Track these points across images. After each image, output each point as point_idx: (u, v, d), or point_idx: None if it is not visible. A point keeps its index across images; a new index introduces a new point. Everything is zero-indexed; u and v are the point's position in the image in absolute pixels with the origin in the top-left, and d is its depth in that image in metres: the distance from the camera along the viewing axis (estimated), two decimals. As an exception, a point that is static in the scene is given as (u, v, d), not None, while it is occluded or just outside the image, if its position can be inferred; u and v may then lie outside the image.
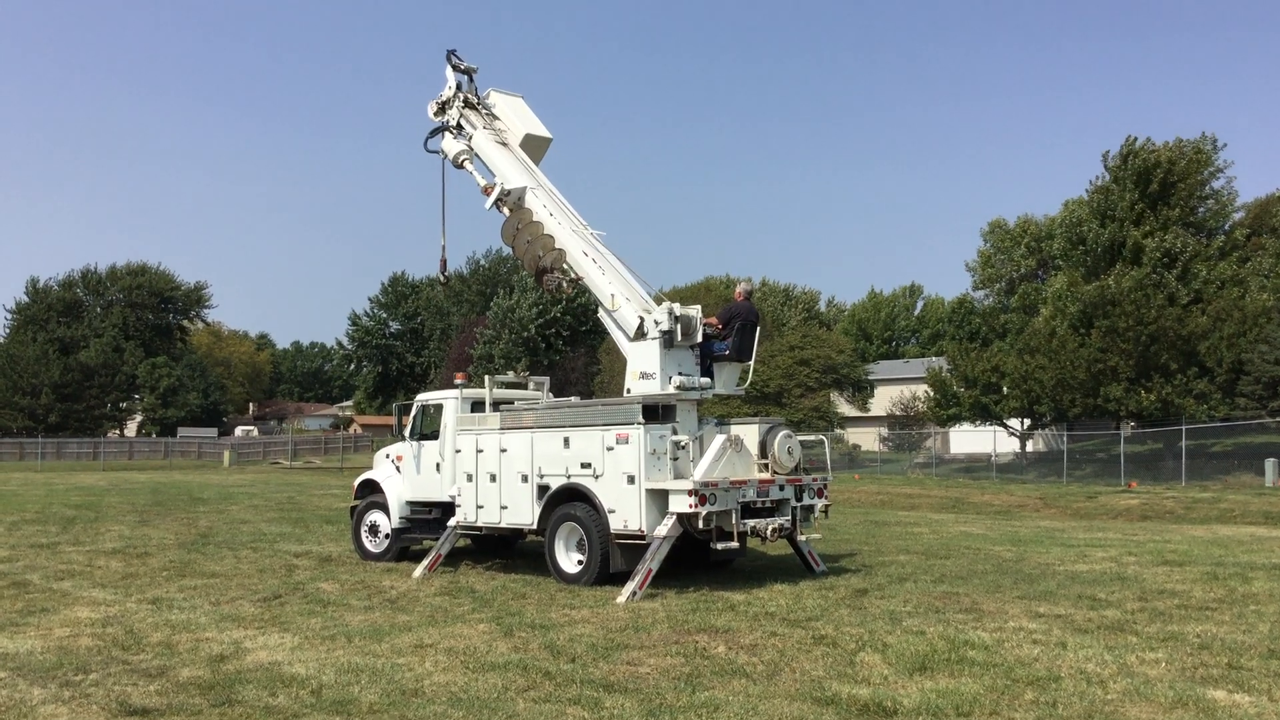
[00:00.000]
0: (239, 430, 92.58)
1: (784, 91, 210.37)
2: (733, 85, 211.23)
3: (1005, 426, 46.64)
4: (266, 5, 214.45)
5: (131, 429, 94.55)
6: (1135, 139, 46.54)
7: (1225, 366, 37.21)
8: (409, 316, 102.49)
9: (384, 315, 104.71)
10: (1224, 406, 37.53)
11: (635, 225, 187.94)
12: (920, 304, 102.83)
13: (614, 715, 7.39)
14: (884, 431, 58.92)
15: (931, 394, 48.00)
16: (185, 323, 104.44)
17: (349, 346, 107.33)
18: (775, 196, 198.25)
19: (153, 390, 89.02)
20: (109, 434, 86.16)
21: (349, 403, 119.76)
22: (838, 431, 55.50)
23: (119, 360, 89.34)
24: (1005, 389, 43.51)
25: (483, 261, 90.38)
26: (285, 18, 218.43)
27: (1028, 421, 46.71)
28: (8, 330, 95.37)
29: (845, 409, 63.88)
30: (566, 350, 67.53)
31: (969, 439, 51.33)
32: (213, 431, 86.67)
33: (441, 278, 17.77)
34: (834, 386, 56.50)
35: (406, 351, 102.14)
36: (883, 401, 65.27)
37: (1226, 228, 47.65)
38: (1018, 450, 49.49)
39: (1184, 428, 36.04)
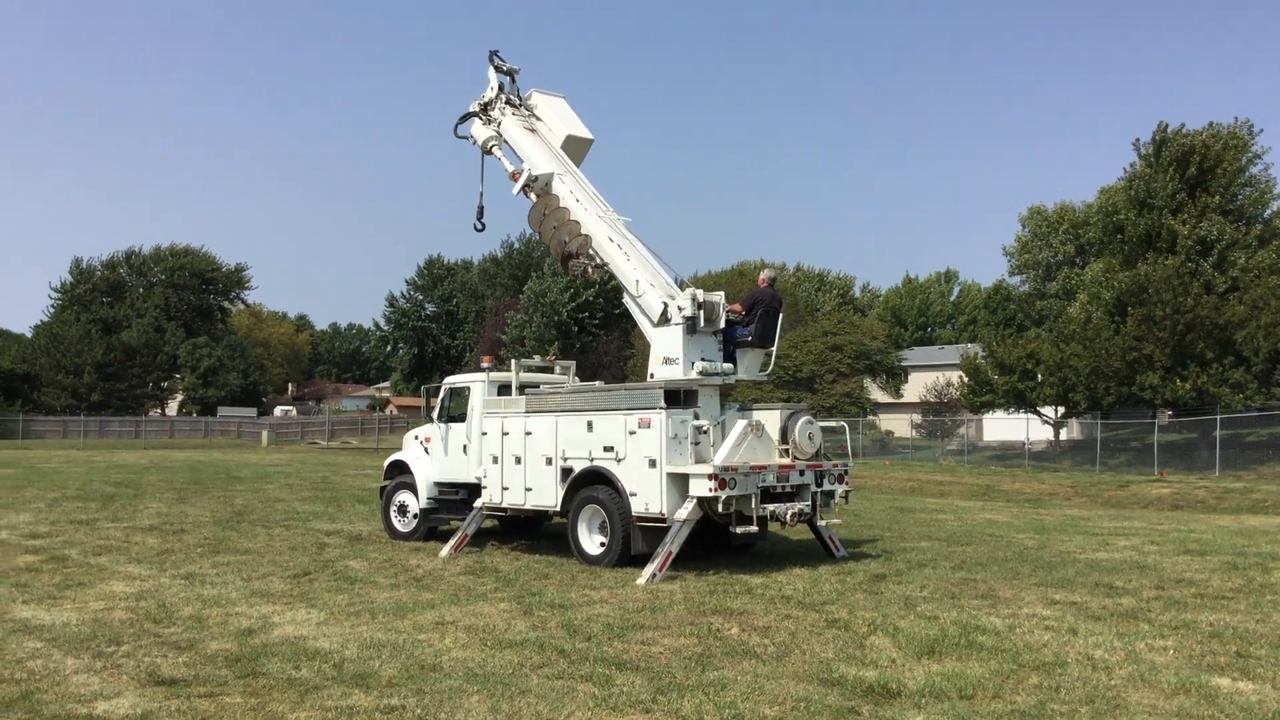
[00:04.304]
0: (278, 410, 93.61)
1: (821, 75, 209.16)
2: (770, 67, 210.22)
3: (1039, 414, 46.33)
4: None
5: (173, 408, 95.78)
6: (1168, 125, 45.91)
7: (1262, 355, 36.77)
8: (445, 299, 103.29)
9: (420, 298, 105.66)
10: (1260, 396, 37.14)
11: (669, 210, 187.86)
12: (956, 290, 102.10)
13: (623, 692, 7.59)
14: (917, 418, 58.69)
15: (966, 380, 47.73)
16: (226, 304, 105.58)
17: (386, 328, 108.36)
18: (811, 181, 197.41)
19: (193, 370, 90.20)
20: (150, 413, 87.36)
21: (386, 384, 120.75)
22: (870, 418, 55.32)
23: (160, 340, 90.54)
24: (1040, 376, 43.19)
25: (516, 245, 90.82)
26: None
27: (1062, 409, 46.39)
28: (52, 310, 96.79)
29: (878, 395, 63.60)
30: (599, 333, 67.73)
31: (1003, 426, 51.01)
32: (252, 411, 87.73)
33: (478, 224, 18.18)
34: (867, 372, 56.27)
35: (442, 334, 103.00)
36: (916, 388, 64.97)
37: (1266, 215, 46.92)
38: (1051, 438, 49.16)
39: (1219, 417, 35.72)
